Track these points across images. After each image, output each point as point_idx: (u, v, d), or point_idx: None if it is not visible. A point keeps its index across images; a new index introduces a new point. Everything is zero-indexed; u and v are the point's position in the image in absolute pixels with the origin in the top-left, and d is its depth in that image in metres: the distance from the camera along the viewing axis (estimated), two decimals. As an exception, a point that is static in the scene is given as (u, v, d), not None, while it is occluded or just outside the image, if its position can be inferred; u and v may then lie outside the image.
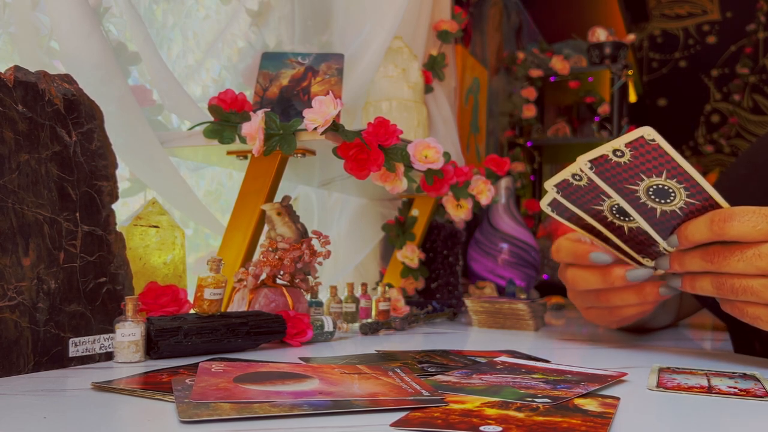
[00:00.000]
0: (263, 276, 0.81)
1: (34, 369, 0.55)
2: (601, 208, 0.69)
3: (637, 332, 1.00)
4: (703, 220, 0.63)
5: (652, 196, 0.64)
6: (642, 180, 0.63)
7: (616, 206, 0.68)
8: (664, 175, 0.62)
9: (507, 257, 1.64)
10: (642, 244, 0.72)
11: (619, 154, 0.61)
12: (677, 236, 0.66)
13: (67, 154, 0.60)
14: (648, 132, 0.59)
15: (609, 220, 0.71)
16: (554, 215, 0.74)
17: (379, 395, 0.46)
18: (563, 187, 0.69)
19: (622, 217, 0.69)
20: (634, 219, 0.68)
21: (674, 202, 0.64)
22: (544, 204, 0.74)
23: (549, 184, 0.70)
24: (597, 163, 0.63)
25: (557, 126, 2.61)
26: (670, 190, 0.63)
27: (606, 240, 0.74)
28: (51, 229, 0.57)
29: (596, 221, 0.72)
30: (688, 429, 0.42)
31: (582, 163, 0.64)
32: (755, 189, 0.80)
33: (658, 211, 0.66)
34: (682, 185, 0.63)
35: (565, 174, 0.67)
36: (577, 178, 0.67)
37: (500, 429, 0.39)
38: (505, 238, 1.65)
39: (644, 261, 0.74)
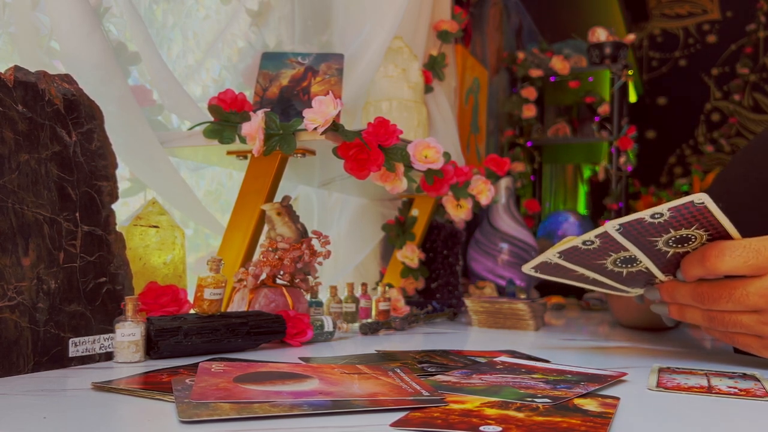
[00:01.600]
0: (263, 276, 0.81)
1: (34, 369, 0.55)
2: (604, 261, 0.69)
3: (647, 330, 1.00)
4: (697, 258, 0.64)
5: (671, 244, 0.64)
6: (668, 233, 0.63)
7: (621, 258, 0.68)
8: (693, 227, 0.62)
9: (507, 257, 1.64)
10: (637, 281, 0.73)
11: (657, 216, 0.61)
12: (681, 271, 0.67)
13: (67, 154, 0.60)
14: (699, 197, 0.59)
15: (609, 269, 0.71)
16: (537, 275, 0.74)
17: (379, 395, 0.46)
18: (568, 253, 0.69)
19: (624, 265, 0.69)
20: (637, 265, 0.69)
21: (692, 245, 0.64)
22: (528, 267, 0.73)
23: (552, 252, 0.69)
24: (627, 225, 0.63)
25: (557, 126, 2.61)
26: (693, 237, 0.63)
27: (594, 282, 0.74)
28: (51, 229, 0.57)
29: (591, 271, 0.72)
30: (688, 429, 0.42)
31: (610, 227, 0.63)
32: (753, 186, 0.80)
33: (671, 253, 0.66)
34: (708, 233, 0.63)
35: (575, 242, 0.67)
36: (588, 243, 0.66)
37: (500, 429, 0.39)
38: (505, 238, 1.65)
39: (631, 290, 0.75)
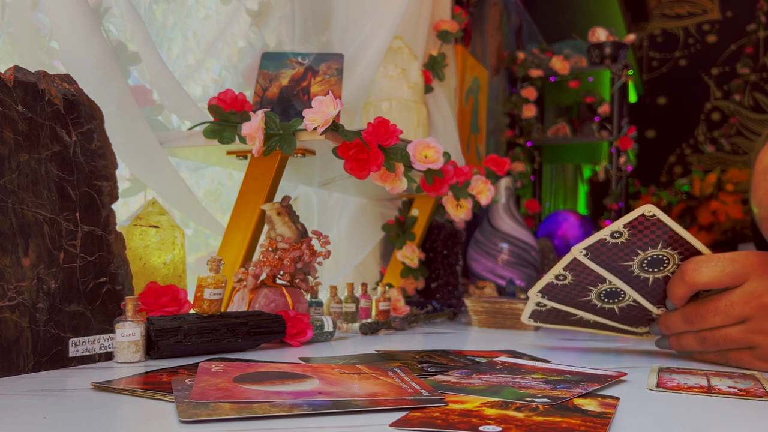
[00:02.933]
0: (263, 276, 0.81)
1: (34, 369, 0.55)
2: (588, 298, 0.71)
3: None
4: (677, 276, 0.65)
5: (646, 267, 0.66)
6: (637, 255, 0.64)
7: (604, 292, 0.69)
8: (659, 246, 0.63)
9: (507, 257, 1.63)
10: (635, 318, 0.73)
11: (617, 235, 0.63)
12: (668, 297, 0.68)
13: (67, 154, 0.60)
14: (648, 209, 0.61)
15: (599, 306, 0.72)
16: (538, 323, 0.77)
17: (379, 395, 0.46)
18: (548, 291, 0.71)
19: (611, 300, 0.71)
20: (624, 298, 0.70)
21: (667, 268, 0.66)
22: (525, 317, 0.76)
23: (533, 292, 0.72)
24: (593, 249, 0.65)
25: (557, 126, 2.61)
26: (665, 258, 0.65)
27: (595, 325, 0.76)
28: (51, 229, 0.57)
29: (585, 311, 0.73)
30: (688, 429, 0.42)
31: (576, 252, 0.65)
32: None
33: (651, 279, 0.67)
34: (677, 251, 0.64)
35: (547, 278, 0.70)
36: (561, 278, 0.69)
37: (500, 429, 0.39)
38: (505, 238, 1.65)
39: (638, 329, 0.76)
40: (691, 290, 0.64)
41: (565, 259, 0.67)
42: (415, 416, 0.42)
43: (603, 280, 0.68)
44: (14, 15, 0.80)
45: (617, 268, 0.66)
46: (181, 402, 0.43)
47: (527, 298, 1.08)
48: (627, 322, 0.74)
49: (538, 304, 0.74)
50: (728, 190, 3.53)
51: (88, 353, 0.59)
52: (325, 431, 0.39)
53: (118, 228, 0.64)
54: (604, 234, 0.63)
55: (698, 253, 0.65)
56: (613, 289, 0.69)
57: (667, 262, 0.65)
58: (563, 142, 2.59)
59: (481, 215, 1.70)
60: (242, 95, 0.87)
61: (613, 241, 0.63)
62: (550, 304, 0.73)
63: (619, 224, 0.62)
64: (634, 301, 0.70)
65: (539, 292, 0.72)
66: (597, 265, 0.66)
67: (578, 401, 0.47)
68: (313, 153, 0.89)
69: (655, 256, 0.64)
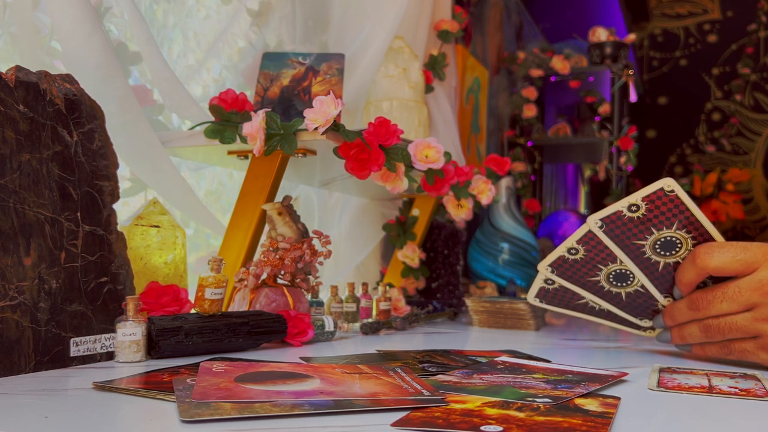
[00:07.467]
0: (264, 276, 0.81)
1: (35, 369, 0.55)
2: (597, 278, 0.70)
3: None
4: (689, 259, 0.65)
5: (658, 250, 0.65)
6: (651, 234, 0.64)
7: (613, 273, 0.69)
8: (674, 227, 0.63)
9: (507, 257, 1.63)
10: (640, 307, 0.73)
11: (634, 209, 0.62)
12: (676, 283, 0.67)
13: (69, 153, 0.60)
14: (668, 183, 0.60)
15: (606, 289, 0.71)
16: (543, 305, 0.76)
17: (380, 395, 0.46)
18: (558, 265, 0.70)
19: (619, 284, 0.70)
20: (632, 282, 0.69)
21: (679, 253, 0.65)
22: (531, 296, 0.75)
23: (542, 266, 0.71)
24: (609, 221, 0.64)
25: (558, 126, 2.61)
26: (678, 242, 0.65)
27: (599, 313, 0.75)
28: (52, 229, 0.57)
29: (592, 293, 0.73)
30: (689, 429, 0.42)
31: (592, 223, 0.65)
32: None
33: (661, 264, 0.67)
34: (690, 234, 0.64)
35: (560, 251, 0.69)
36: (573, 252, 0.68)
37: (501, 429, 0.39)
38: (505, 238, 1.65)
39: (642, 322, 0.75)
40: (700, 275, 0.64)
41: (580, 231, 0.66)
42: (416, 416, 0.42)
43: (614, 259, 0.67)
44: (15, 15, 0.80)
45: (630, 246, 0.65)
46: (183, 402, 0.43)
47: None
48: (632, 311, 0.74)
49: (546, 280, 0.72)
50: (729, 190, 3.53)
51: (89, 353, 0.59)
52: (327, 431, 0.39)
53: (119, 228, 0.64)
54: (621, 206, 0.63)
55: (712, 239, 0.65)
56: (623, 270, 0.68)
57: (679, 246, 0.65)
58: (564, 142, 2.60)
59: (481, 215, 1.70)
60: (243, 95, 0.87)
61: (630, 214, 0.63)
62: (559, 281, 0.72)
63: (637, 196, 0.62)
64: (642, 286, 0.69)
65: (549, 266, 0.70)
66: (610, 240, 0.65)
67: (579, 401, 0.47)
68: (314, 153, 0.89)
69: (668, 238, 0.64)
